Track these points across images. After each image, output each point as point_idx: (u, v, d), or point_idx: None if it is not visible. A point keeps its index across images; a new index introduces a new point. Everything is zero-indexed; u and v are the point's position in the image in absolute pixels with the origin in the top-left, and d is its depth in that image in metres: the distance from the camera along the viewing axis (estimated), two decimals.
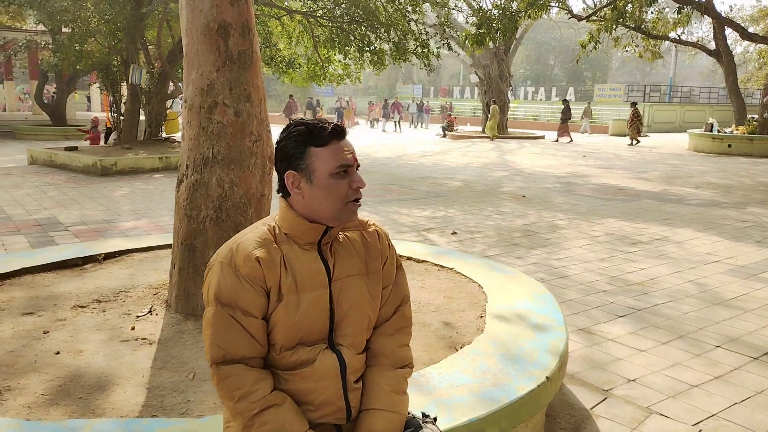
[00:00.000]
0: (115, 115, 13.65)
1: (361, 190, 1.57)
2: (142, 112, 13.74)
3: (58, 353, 2.57)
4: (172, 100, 14.26)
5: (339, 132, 1.54)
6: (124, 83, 13.60)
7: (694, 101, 35.05)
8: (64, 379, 2.35)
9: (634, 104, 22.80)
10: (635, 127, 21.66)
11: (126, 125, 13.38)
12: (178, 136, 15.36)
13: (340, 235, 1.65)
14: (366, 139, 23.75)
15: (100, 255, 4.02)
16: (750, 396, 3.18)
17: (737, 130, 18.51)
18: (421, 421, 1.67)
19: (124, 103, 13.54)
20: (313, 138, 1.53)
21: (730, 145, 17.99)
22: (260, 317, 1.53)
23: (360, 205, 1.58)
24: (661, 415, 2.97)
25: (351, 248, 1.64)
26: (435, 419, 1.72)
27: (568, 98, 30.02)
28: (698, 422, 2.90)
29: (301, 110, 32.72)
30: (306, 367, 1.55)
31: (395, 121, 31.22)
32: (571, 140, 22.88)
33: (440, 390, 2.24)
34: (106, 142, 14.88)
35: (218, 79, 2.89)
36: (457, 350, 2.64)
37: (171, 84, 13.62)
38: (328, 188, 1.52)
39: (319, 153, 1.52)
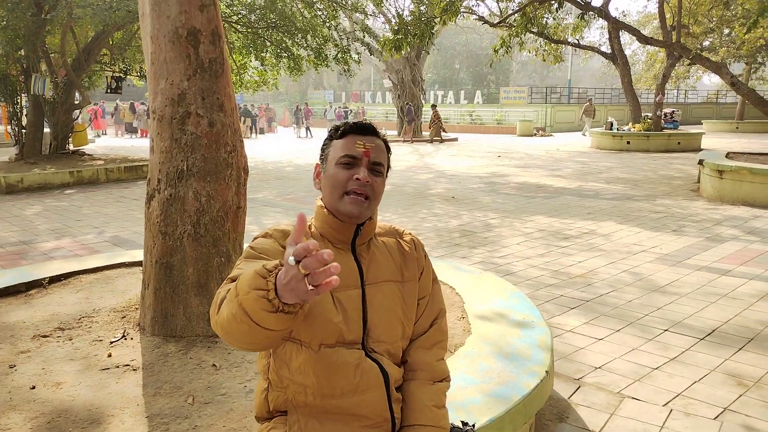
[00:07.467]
0: (16, 128, 12.65)
1: (363, 185, 1.51)
2: (46, 124, 12.82)
3: (33, 388, 2.36)
4: (78, 110, 13.38)
5: (360, 127, 1.57)
6: (24, 94, 12.64)
7: None
8: (51, 416, 2.16)
9: (434, 106, 25.07)
10: (436, 126, 23.82)
11: (29, 138, 12.42)
12: (87, 148, 14.46)
13: (379, 240, 1.65)
14: (282, 146, 23.48)
15: (44, 279, 3.72)
16: (706, 374, 3.44)
17: (634, 127, 19.85)
18: (462, 431, 1.69)
19: (26, 115, 12.58)
20: (337, 131, 1.59)
21: (628, 142, 19.26)
22: None
23: (364, 201, 1.51)
24: (633, 398, 3.15)
25: (387, 254, 1.65)
26: (474, 426, 1.74)
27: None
28: (667, 402, 3.10)
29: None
30: (349, 376, 1.53)
31: (306, 127, 31.10)
32: (412, 141, 24.53)
33: (451, 393, 2.25)
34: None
35: (190, 89, 2.76)
36: (452, 352, 2.68)
37: (77, 94, 12.78)
38: (332, 176, 1.54)
39: (335, 143, 1.57)
